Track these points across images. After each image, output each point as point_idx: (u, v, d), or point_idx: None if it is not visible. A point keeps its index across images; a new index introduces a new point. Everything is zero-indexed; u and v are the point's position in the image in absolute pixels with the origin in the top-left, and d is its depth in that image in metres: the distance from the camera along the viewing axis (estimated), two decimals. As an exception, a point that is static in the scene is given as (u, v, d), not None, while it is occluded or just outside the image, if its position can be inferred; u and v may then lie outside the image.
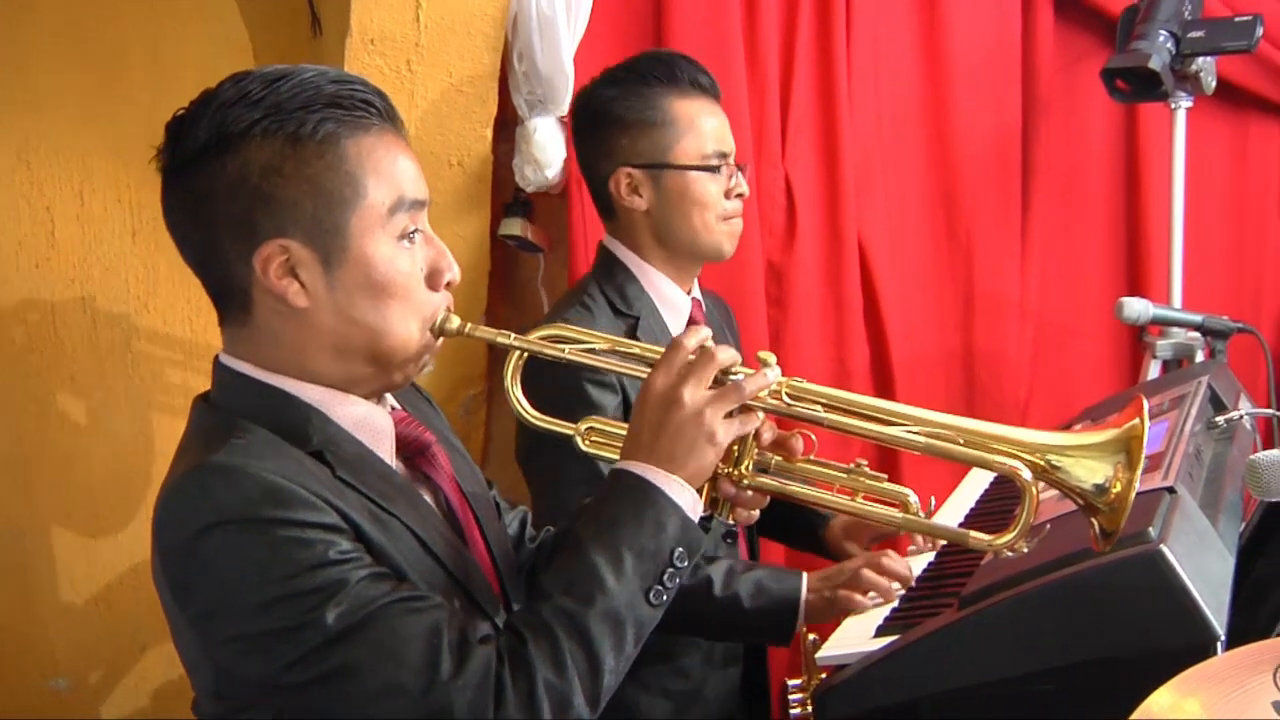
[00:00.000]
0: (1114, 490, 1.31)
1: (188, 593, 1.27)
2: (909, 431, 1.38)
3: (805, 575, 2.03)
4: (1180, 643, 1.40)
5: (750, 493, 1.43)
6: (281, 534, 1.22)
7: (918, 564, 2.13)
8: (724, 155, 2.19)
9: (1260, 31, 2.74)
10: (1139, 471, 1.29)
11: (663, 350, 1.40)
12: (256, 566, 1.22)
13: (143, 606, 2.61)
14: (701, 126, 2.17)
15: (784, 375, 1.39)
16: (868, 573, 2.00)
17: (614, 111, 2.17)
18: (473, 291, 2.81)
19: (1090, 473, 1.32)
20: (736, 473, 1.42)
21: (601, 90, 2.20)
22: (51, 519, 2.60)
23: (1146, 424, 1.31)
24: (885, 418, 1.38)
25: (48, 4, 2.51)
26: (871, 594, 1.99)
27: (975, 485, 2.51)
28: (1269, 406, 2.72)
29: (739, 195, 2.22)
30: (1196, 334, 2.84)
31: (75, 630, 2.63)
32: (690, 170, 2.15)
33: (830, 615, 2.02)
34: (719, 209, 2.18)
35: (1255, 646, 1.21)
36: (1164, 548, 1.43)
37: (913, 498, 1.44)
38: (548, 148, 2.64)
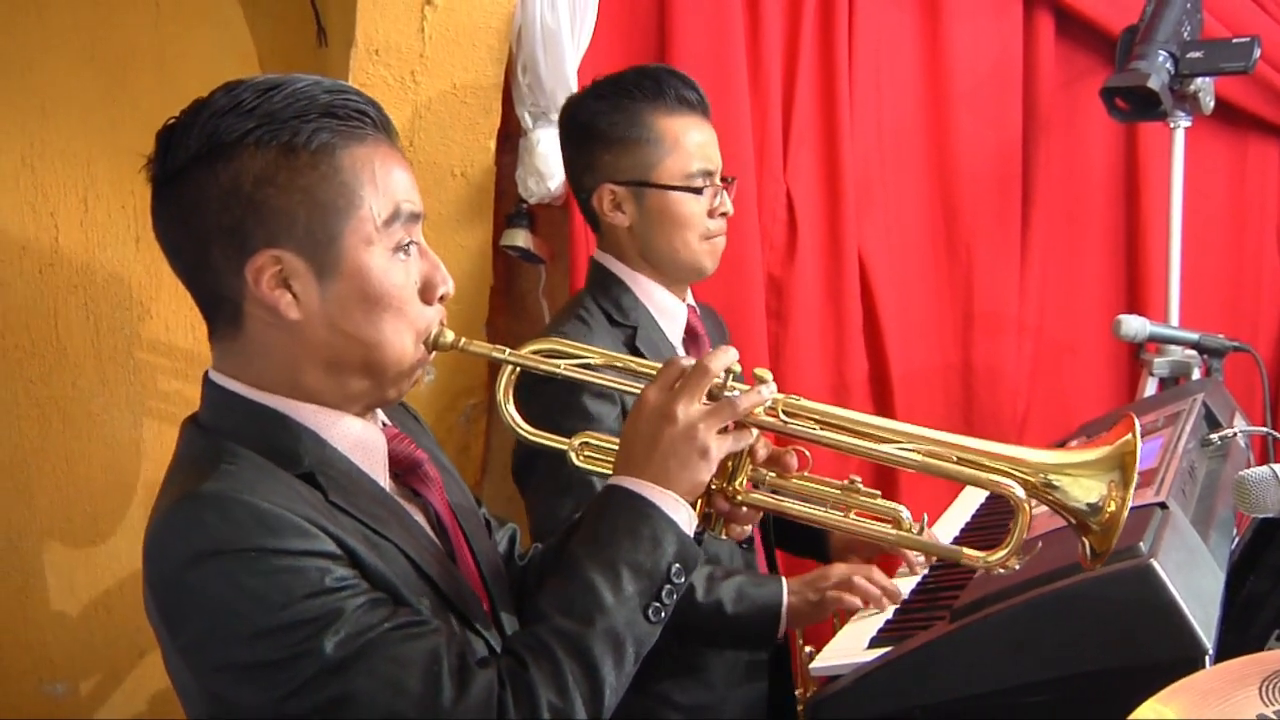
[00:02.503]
0: (1108, 510, 1.31)
1: (180, 623, 1.25)
2: (904, 449, 1.38)
3: (785, 580, 2.04)
4: (1169, 656, 1.41)
5: (744, 509, 1.42)
6: (276, 563, 1.20)
7: (906, 585, 2.14)
8: (709, 174, 2.17)
9: (1258, 53, 2.75)
10: (1131, 490, 1.29)
11: (658, 365, 1.40)
12: (251, 596, 1.20)
13: (141, 612, 2.58)
14: (686, 144, 2.15)
15: (780, 391, 1.39)
16: (861, 580, 2.02)
17: (599, 126, 2.15)
18: (474, 302, 2.83)
19: (1086, 492, 1.32)
20: (731, 488, 1.41)
21: (588, 103, 2.19)
22: (51, 524, 2.62)
23: (1139, 440, 1.31)
24: (881, 435, 1.38)
25: (54, 9, 2.54)
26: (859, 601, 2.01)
27: (971, 500, 2.52)
28: (1264, 424, 2.73)
29: (723, 214, 2.20)
30: (1193, 352, 2.86)
31: (73, 635, 2.64)
32: (672, 190, 2.14)
33: (815, 618, 2.03)
34: (701, 229, 2.17)
35: (1243, 660, 1.22)
36: (1154, 562, 1.45)
37: (906, 514, 1.43)
38: (550, 159, 2.66)
